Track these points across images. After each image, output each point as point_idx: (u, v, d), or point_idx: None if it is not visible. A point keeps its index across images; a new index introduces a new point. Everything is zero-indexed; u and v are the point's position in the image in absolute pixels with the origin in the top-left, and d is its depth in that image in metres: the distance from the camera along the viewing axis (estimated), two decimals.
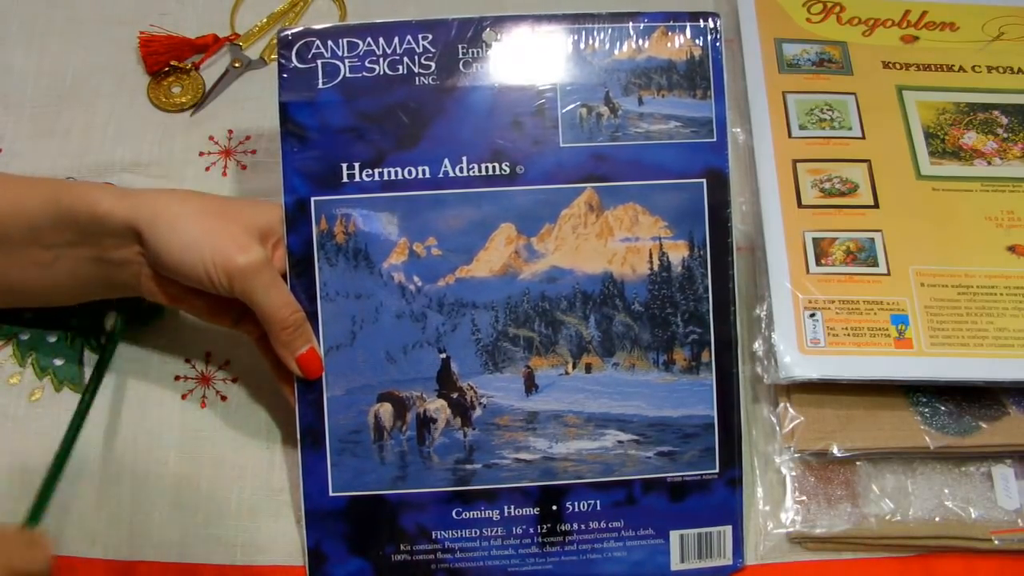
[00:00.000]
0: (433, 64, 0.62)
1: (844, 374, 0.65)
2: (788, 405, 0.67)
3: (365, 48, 0.61)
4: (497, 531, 0.62)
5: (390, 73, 0.61)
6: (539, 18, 0.63)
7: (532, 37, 0.62)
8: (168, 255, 0.58)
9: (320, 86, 0.61)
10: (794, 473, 0.66)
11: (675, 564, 0.63)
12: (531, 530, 0.62)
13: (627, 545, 0.63)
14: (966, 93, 0.76)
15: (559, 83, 0.62)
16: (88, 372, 0.68)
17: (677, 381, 0.63)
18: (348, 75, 0.61)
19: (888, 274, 0.68)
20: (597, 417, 0.63)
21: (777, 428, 0.67)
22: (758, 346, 0.68)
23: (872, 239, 0.69)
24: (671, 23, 0.63)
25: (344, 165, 0.61)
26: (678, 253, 0.63)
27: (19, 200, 0.59)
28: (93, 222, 0.58)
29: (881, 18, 0.80)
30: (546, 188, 0.62)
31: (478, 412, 0.62)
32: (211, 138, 0.77)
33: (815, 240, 0.69)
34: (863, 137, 0.74)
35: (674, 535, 0.63)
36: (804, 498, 0.65)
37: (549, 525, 0.62)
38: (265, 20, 0.82)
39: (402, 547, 0.62)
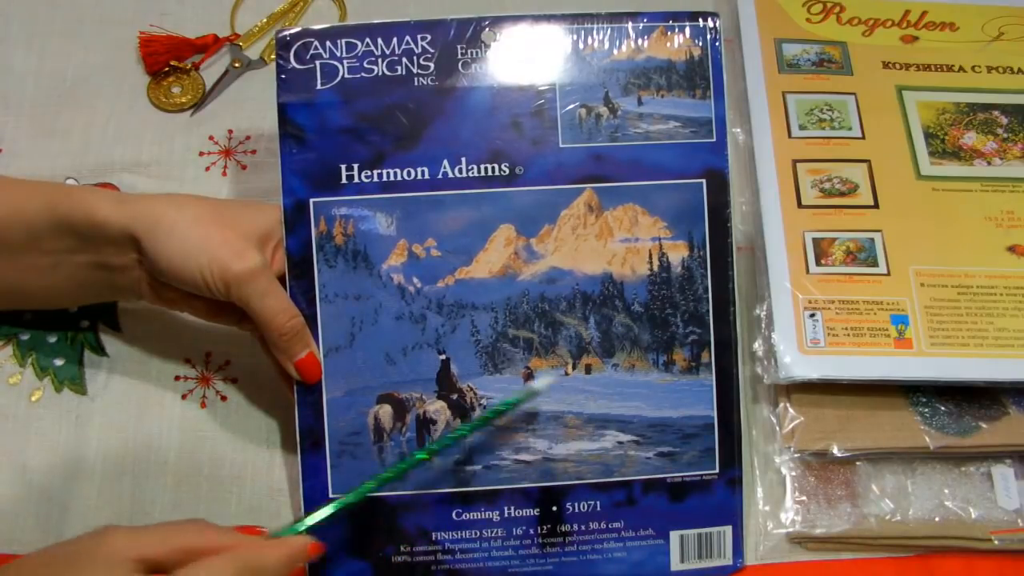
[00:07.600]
0: (432, 65, 0.62)
1: (844, 374, 0.65)
2: (788, 405, 0.66)
3: (363, 49, 0.61)
4: (497, 532, 0.62)
5: (389, 74, 0.61)
6: (538, 18, 0.63)
7: (531, 37, 0.62)
8: (167, 263, 0.58)
9: (319, 87, 0.61)
10: (794, 473, 0.66)
11: (675, 564, 0.63)
12: (531, 531, 0.62)
13: (627, 545, 0.63)
14: (966, 93, 0.76)
15: (558, 83, 0.62)
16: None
17: (677, 381, 0.63)
18: (347, 76, 0.61)
19: (888, 274, 0.68)
20: (597, 418, 0.62)
21: (777, 428, 0.67)
22: (758, 346, 0.68)
23: (872, 239, 0.69)
24: (670, 23, 0.63)
25: (343, 166, 0.61)
26: (678, 253, 0.63)
27: (17, 205, 0.59)
28: (91, 229, 0.58)
29: (881, 18, 0.80)
30: (545, 189, 0.62)
31: (478, 413, 0.62)
32: (211, 138, 0.77)
33: (815, 240, 0.69)
34: (863, 137, 0.74)
35: (674, 535, 0.63)
36: (804, 498, 0.65)
37: (549, 526, 0.62)
38: (265, 20, 0.82)
39: (402, 548, 0.62)
